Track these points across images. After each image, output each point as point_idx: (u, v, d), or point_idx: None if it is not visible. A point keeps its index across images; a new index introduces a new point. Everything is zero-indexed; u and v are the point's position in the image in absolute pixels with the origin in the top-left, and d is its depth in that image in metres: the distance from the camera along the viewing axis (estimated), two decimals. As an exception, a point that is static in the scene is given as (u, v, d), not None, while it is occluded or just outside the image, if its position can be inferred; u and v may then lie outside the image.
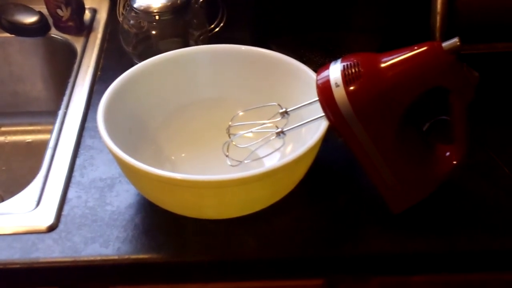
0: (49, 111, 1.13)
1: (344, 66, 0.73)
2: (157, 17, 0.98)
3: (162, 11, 0.98)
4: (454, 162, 0.77)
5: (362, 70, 0.72)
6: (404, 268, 0.80)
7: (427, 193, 0.78)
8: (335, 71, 0.74)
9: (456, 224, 0.79)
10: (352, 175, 0.85)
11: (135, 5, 0.99)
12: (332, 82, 0.73)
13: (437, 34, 0.99)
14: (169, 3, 0.99)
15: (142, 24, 1.01)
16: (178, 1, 0.99)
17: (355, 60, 0.73)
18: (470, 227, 0.79)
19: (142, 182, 0.76)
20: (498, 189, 0.82)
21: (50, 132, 1.04)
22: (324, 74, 0.75)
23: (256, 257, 0.77)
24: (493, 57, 0.99)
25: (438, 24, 0.99)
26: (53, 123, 0.95)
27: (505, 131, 0.91)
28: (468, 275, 0.81)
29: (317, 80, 0.75)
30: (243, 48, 0.86)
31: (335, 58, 1.01)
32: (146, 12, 0.99)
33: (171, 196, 0.74)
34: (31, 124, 1.17)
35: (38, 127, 1.17)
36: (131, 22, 1.01)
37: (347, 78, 0.72)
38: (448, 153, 0.77)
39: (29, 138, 1.17)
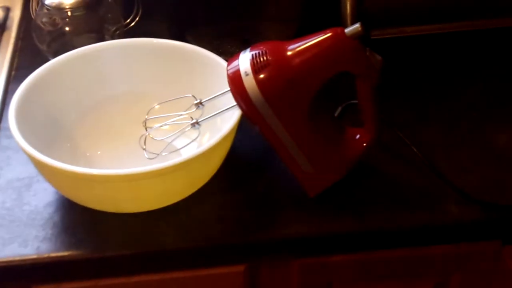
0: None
1: (253, 55, 0.75)
2: (69, 13, 0.98)
3: (75, 7, 0.98)
4: (364, 144, 0.79)
5: (270, 58, 0.74)
6: (322, 249, 0.82)
7: (341, 175, 0.80)
8: (244, 61, 0.75)
9: (370, 203, 0.82)
10: (268, 162, 0.87)
11: (47, 2, 0.98)
12: (242, 71, 0.74)
13: (348, 21, 1.02)
14: (81, -2, 0.98)
15: (55, 21, 1.00)
16: (92, -4, 0.99)
17: (263, 49, 0.75)
18: (384, 205, 0.81)
19: (57, 180, 0.75)
20: (407, 167, 0.85)
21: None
22: (234, 63, 0.76)
23: (177, 247, 0.78)
24: (402, 41, 1.02)
25: (348, 11, 1.01)
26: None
27: (411, 112, 0.94)
28: (384, 251, 0.84)
29: (227, 70, 0.76)
30: (154, 41, 0.87)
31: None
32: (58, 9, 0.98)
33: (87, 192, 0.74)
34: None
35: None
36: (44, 19, 1.00)
37: (256, 66, 0.74)
38: (358, 136, 0.80)
39: None
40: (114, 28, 1.03)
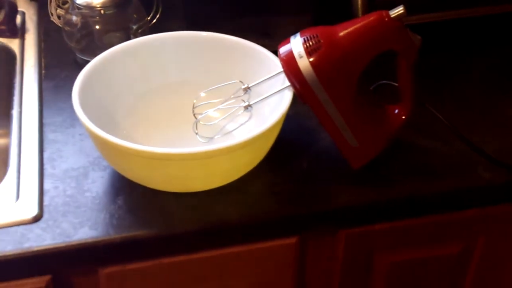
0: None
1: (304, 38, 0.81)
2: (102, 12, 1.02)
3: (106, 6, 1.02)
4: (403, 117, 0.87)
5: (322, 41, 0.80)
6: (366, 218, 0.88)
7: (382, 148, 0.87)
8: (296, 44, 0.81)
9: (406, 173, 0.89)
10: (309, 141, 0.93)
11: (77, 1, 1.01)
12: (296, 54, 0.80)
13: (360, 12, 1.09)
14: (111, -3, 1.02)
15: (85, 20, 1.04)
16: (119, -5, 1.03)
17: (314, 33, 0.81)
18: (419, 174, 0.89)
19: (130, 163, 0.79)
20: (435, 140, 0.93)
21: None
22: (286, 47, 0.82)
23: (239, 222, 0.83)
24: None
25: (359, 2, 1.09)
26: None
27: (426, 93, 1.02)
28: (420, 218, 0.91)
29: (280, 54, 0.82)
30: (203, 34, 0.92)
31: (272, 40, 1.09)
32: (90, 7, 1.02)
33: (159, 172, 0.78)
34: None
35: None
36: (74, 18, 1.03)
37: (309, 49, 0.80)
38: (397, 111, 0.87)
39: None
40: (136, 27, 1.07)
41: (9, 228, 0.79)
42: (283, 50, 0.82)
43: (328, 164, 0.90)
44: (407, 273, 0.98)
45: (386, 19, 0.80)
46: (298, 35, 0.83)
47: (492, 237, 0.96)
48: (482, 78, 1.07)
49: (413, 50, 0.82)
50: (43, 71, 1.05)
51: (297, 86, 0.81)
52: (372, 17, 0.80)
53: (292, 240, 0.88)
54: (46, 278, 0.81)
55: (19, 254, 0.77)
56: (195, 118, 0.88)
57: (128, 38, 1.04)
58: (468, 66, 1.09)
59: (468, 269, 1.00)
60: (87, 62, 0.89)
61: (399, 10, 0.80)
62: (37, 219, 0.81)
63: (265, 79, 0.87)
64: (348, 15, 1.08)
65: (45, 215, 0.81)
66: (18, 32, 1.12)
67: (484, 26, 1.14)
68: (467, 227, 0.94)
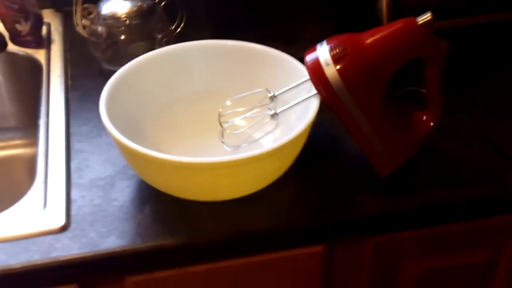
0: (16, 126, 1.14)
1: (331, 46, 0.81)
2: (127, 22, 1.02)
3: (131, 16, 1.02)
4: (431, 124, 0.86)
5: (348, 48, 0.80)
6: (394, 225, 0.88)
7: (410, 156, 0.86)
8: (323, 52, 0.81)
9: (435, 180, 0.88)
10: (336, 149, 0.93)
11: (103, 12, 1.02)
12: (322, 61, 0.80)
13: (384, 20, 1.08)
14: (136, 8, 1.03)
15: (110, 30, 1.04)
16: (144, 5, 1.03)
17: (340, 40, 0.81)
18: (448, 181, 0.88)
19: (157, 172, 0.79)
20: (462, 146, 0.92)
21: (17, 147, 1.06)
22: (312, 55, 0.81)
23: (264, 231, 0.82)
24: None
25: (384, 10, 1.08)
26: (24, 137, 0.98)
27: (452, 99, 1.01)
28: (449, 225, 0.90)
29: (307, 62, 0.82)
30: (229, 42, 0.92)
31: (296, 48, 1.09)
32: (115, 18, 1.02)
33: (186, 181, 0.78)
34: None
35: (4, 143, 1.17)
36: (100, 28, 1.04)
37: (335, 57, 0.80)
38: (424, 117, 0.86)
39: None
40: (161, 36, 1.08)
41: (36, 238, 0.80)
42: (309, 58, 0.82)
43: (355, 171, 0.89)
44: (434, 281, 0.97)
45: (414, 26, 0.79)
46: (324, 42, 0.82)
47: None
48: (510, 83, 1.05)
49: (441, 57, 0.81)
50: (69, 81, 1.06)
51: (324, 94, 0.81)
52: (399, 24, 0.80)
53: (319, 248, 0.87)
54: (73, 287, 0.81)
55: (47, 263, 0.77)
56: (221, 126, 0.88)
57: (153, 48, 1.04)
58: (497, 70, 1.08)
59: (497, 276, 0.98)
60: (113, 72, 0.89)
61: (426, 16, 0.79)
62: (64, 228, 0.81)
63: (292, 87, 0.86)
64: (372, 22, 1.08)
65: (73, 225, 0.82)
66: (44, 43, 1.13)
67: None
68: (495, 234, 0.93)
